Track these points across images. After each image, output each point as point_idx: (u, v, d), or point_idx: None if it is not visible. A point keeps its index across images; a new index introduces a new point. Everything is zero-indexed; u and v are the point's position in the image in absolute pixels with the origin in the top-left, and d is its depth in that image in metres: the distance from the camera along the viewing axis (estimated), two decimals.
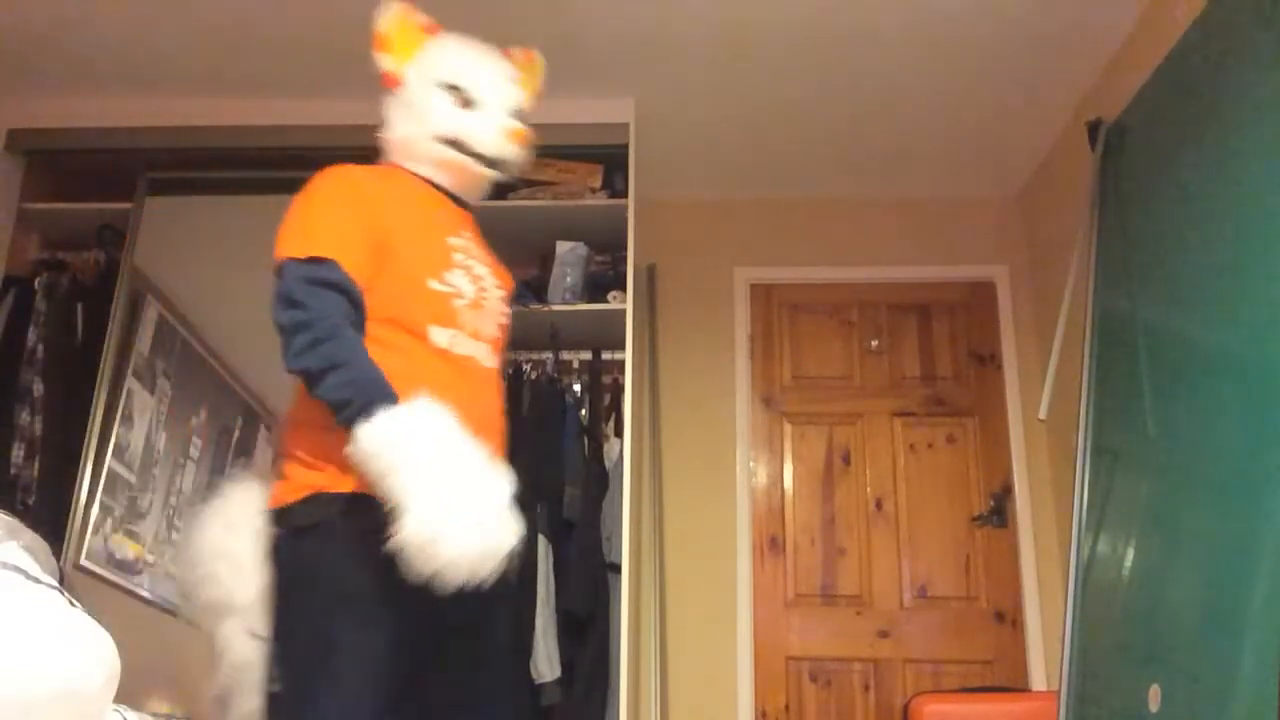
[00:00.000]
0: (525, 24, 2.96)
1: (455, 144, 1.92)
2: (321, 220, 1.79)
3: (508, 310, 1.97)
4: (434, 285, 1.79)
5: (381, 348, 1.70)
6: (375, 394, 1.59)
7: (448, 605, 1.55)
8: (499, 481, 1.58)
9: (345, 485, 1.64)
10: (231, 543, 1.76)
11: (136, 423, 3.04)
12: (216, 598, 1.73)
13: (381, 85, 2.01)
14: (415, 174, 1.96)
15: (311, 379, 1.65)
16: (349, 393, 1.61)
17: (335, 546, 1.65)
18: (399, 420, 1.56)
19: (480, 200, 2.06)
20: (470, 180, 1.99)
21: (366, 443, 1.55)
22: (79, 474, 2.92)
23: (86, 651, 1.10)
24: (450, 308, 1.79)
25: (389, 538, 1.50)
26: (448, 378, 1.74)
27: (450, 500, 1.50)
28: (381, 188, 1.87)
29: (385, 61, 2.00)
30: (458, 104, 1.93)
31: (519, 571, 1.83)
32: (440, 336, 1.77)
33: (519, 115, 1.99)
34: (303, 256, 1.71)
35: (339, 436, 1.60)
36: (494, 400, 1.86)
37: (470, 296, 1.84)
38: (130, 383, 3.06)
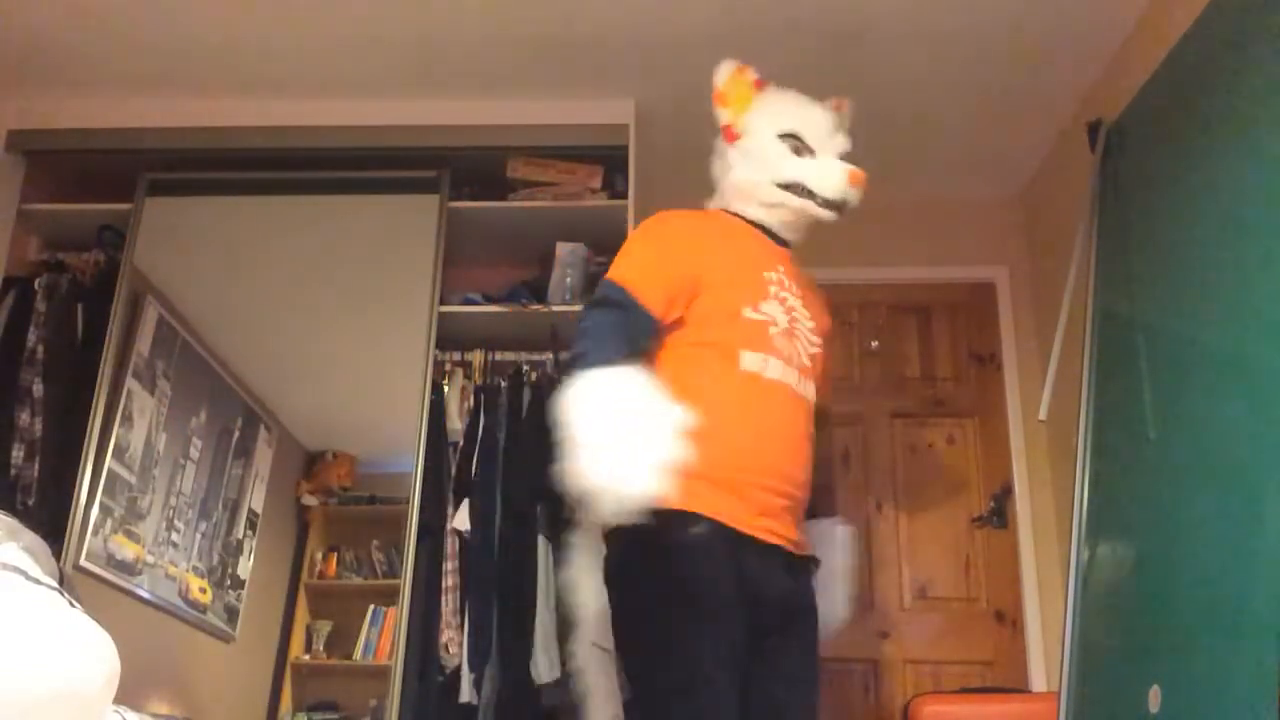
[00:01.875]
0: (526, 25, 2.97)
1: (796, 188, 2.11)
2: (631, 253, 2.06)
3: (819, 341, 2.11)
4: (749, 314, 1.98)
5: (694, 368, 1.94)
6: (596, 356, 1.80)
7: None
8: (657, 442, 1.68)
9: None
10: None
11: (136, 423, 3.04)
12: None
13: (721, 138, 2.20)
14: (738, 215, 2.16)
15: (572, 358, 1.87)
16: (580, 348, 1.85)
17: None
18: (599, 375, 1.75)
19: (801, 239, 2.22)
20: (802, 220, 2.16)
21: (570, 388, 1.75)
22: (79, 475, 2.92)
23: (86, 652, 1.10)
24: (764, 334, 1.98)
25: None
26: (753, 399, 1.93)
27: (601, 444, 1.66)
28: (697, 228, 2.09)
29: (724, 115, 2.18)
30: (795, 151, 2.12)
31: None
32: (751, 361, 1.95)
33: (847, 159, 2.16)
34: (608, 278, 2.00)
35: None
36: (799, 424, 2.00)
37: (783, 325, 2.01)
38: (130, 383, 3.06)
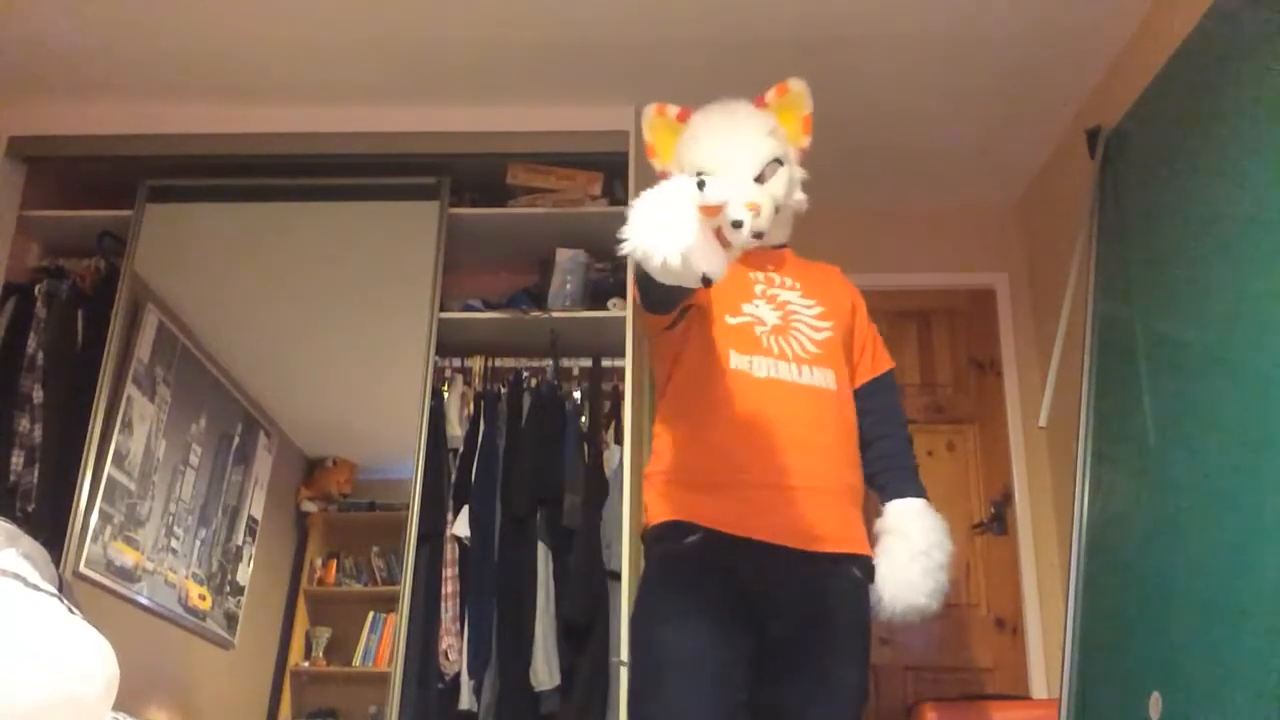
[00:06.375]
0: (526, 31, 2.98)
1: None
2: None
3: (828, 325, 2.05)
4: (730, 320, 1.99)
5: (691, 378, 1.97)
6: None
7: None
8: (682, 194, 1.59)
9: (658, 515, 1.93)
10: None
11: (136, 430, 3.04)
12: None
13: None
14: None
15: (645, 294, 1.90)
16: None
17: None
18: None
19: (785, 237, 2.17)
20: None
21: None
22: (78, 481, 2.92)
23: (86, 659, 1.09)
24: (749, 336, 1.98)
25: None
26: (742, 399, 1.92)
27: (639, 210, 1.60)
28: None
29: (657, 166, 2.14)
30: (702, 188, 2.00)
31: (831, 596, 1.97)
32: (740, 361, 1.95)
33: (782, 161, 2.03)
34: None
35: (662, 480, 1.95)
36: (803, 415, 1.95)
37: (772, 322, 2.00)
38: (130, 390, 3.06)
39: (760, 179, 1.98)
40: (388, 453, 3.26)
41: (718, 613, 1.81)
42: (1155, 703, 2.25)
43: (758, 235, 1.88)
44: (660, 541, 1.91)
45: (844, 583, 1.93)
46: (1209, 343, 2.29)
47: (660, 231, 1.51)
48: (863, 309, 2.21)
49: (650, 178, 3.68)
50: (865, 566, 1.97)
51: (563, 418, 3.15)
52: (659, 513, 1.92)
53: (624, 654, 2.03)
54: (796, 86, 2.13)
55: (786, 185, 2.03)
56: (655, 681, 1.81)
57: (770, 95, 2.13)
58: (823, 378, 1.98)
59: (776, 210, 2.00)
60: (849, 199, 3.85)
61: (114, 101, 3.31)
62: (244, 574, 3.14)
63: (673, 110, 2.14)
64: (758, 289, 2.04)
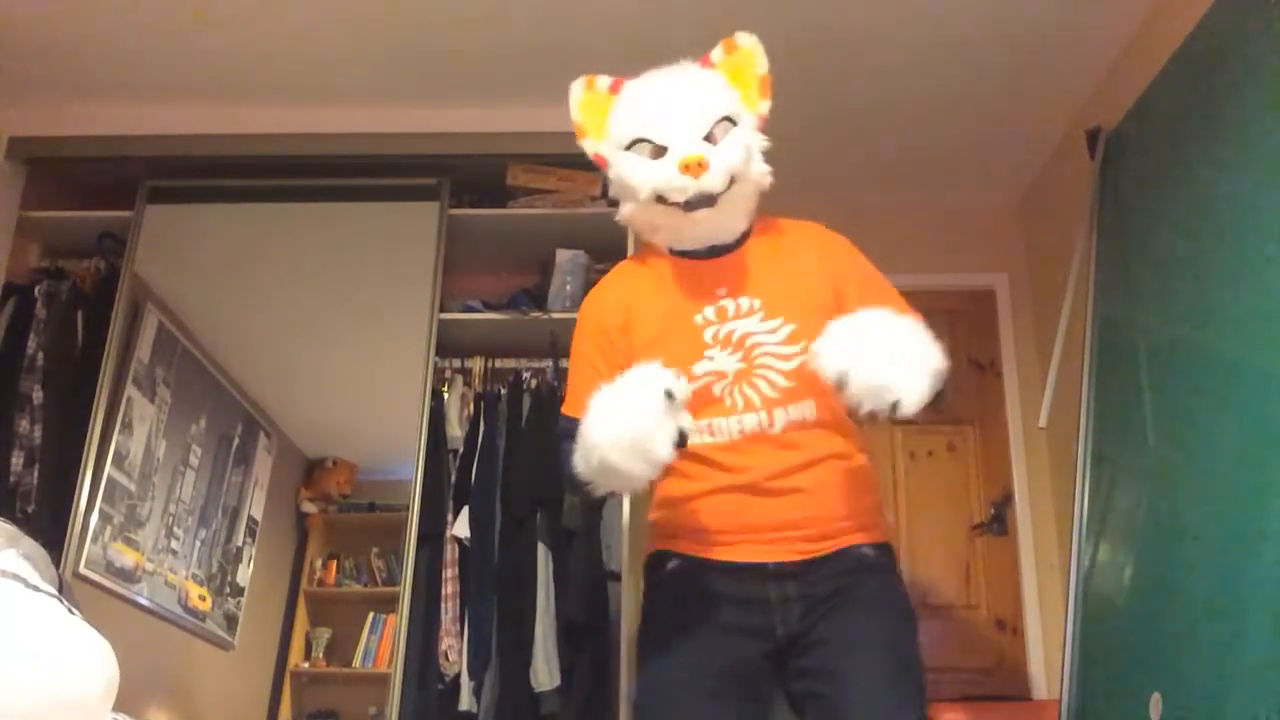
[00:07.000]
0: (526, 33, 2.98)
1: (661, 200, 1.74)
2: (573, 375, 1.86)
3: (794, 349, 1.73)
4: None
5: (675, 478, 1.74)
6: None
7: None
8: (645, 395, 1.51)
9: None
10: None
11: (136, 430, 3.04)
12: None
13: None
14: (660, 252, 1.87)
15: (574, 484, 1.68)
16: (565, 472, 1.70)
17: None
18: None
19: (744, 220, 1.84)
20: (702, 228, 1.79)
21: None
22: (78, 482, 2.92)
23: (86, 660, 1.09)
24: (707, 399, 1.72)
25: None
26: (705, 469, 1.73)
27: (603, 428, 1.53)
28: (615, 302, 1.86)
29: (588, 147, 1.87)
30: (651, 156, 1.75)
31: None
32: (698, 435, 1.68)
33: (734, 120, 1.77)
34: (562, 411, 1.84)
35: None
36: (775, 463, 1.72)
37: (732, 371, 1.73)
38: (130, 390, 3.06)
39: (709, 139, 1.73)
40: (388, 453, 3.26)
41: (701, 633, 1.73)
42: (1155, 703, 2.25)
43: (708, 200, 1.71)
44: (648, 571, 1.88)
45: (864, 574, 1.77)
46: (1209, 343, 2.29)
47: (633, 459, 1.48)
48: (854, 264, 1.93)
49: None
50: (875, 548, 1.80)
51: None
52: (649, 546, 1.89)
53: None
54: (745, 41, 1.87)
55: (743, 150, 1.75)
56: (651, 698, 1.79)
57: (716, 54, 1.88)
58: (800, 411, 1.74)
59: (732, 181, 1.73)
60: (849, 199, 3.84)
61: (114, 102, 3.31)
62: (244, 575, 3.14)
63: (604, 81, 1.87)
64: (708, 334, 1.75)
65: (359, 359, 3.22)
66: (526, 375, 3.27)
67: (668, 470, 1.65)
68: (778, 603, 1.75)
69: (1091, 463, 2.76)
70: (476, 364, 3.30)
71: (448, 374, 3.28)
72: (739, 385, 1.73)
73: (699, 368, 1.73)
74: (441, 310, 3.17)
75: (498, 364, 3.31)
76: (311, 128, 3.27)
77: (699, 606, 1.75)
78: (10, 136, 3.31)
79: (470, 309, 3.28)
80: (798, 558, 1.75)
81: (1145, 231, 2.68)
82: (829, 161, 3.62)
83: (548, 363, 3.28)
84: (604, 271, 3.32)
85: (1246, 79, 2.23)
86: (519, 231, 3.35)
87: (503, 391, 3.23)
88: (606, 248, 3.24)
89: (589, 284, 3.28)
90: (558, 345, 3.26)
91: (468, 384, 3.28)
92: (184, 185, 3.33)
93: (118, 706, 1.17)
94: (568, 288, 3.25)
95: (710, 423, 1.72)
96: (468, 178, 3.32)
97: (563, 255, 3.27)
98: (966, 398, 3.72)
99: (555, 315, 3.20)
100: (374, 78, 3.21)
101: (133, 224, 3.25)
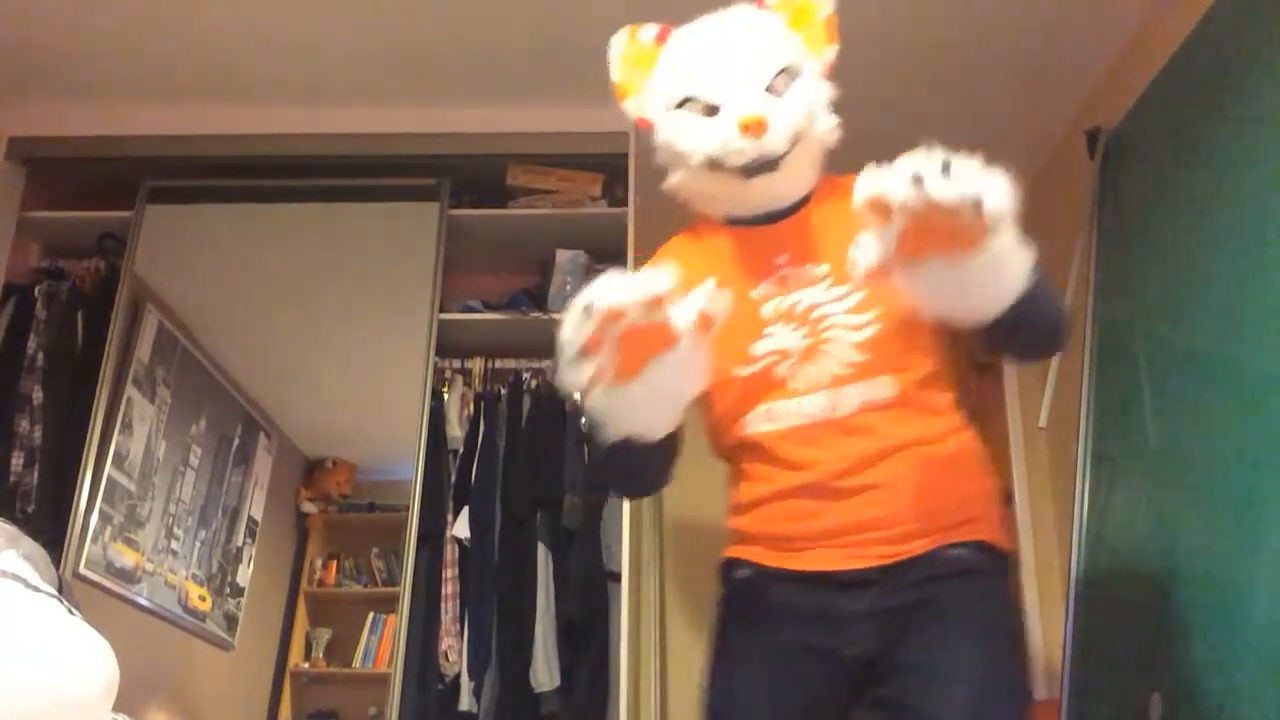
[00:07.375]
0: (526, 32, 2.98)
1: (714, 165, 1.55)
2: None
3: (864, 318, 1.55)
4: (741, 372, 1.56)
5: (742, 482, 1.63)
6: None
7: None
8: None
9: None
10: None
11: (136, 431, 3.04)
12: None
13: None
14: (714, 222, 1.66)
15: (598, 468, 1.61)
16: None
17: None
18: None
19: (809, 185, 1.65)
20: (768, 192, 1.60)
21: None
22: (78, 482, 2.92)
23: (85, 660, 1.10)
24: (767, 382, 1.56)
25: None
26: (770, 459, 1.57)
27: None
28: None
29: (630, 109, 1.70)
30: (703, 114, 1.56)
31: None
32: (756, 422, 1.56)
33: (797, 73, 1.58)
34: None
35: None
36: (841, 448, 1.54)
37: (798, 349, 1.55)
38: (130, 391, 3.06)
39: (770, 92, 1.55)
40: (387, 453, 3.26)
41: (764, 641, 1.61)
42: (1155, 703, 2.25)
43: (770, 165, 1.53)
44: (721, 579, 1.71)
45: (948, 578, 1.54)
46: (1209, 343, 2.29)
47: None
48: None
49: (650, 178, 3.68)
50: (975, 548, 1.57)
51: (563, 419, 3.14)
52: (723, 550, 1.71)
53: None
54: None
55: (808, 106, 1.57)
56: (714, 703, 1.64)
57: None
58: (873, 390, 1.55)
59: (797, 139, 1.55)
60: None
61: (114, 102, 3.31)
62: (244, 575, 3.14)
63: (649, 32, 1.69)
64: (768, 310, 1.58)
65: (359, 359, 3.22)
66: (526, 375, 3.27)
67: (736, 474, 1.59)
68: (850, 619, 1.56)
69: (1091, 463, 2.75)
70: (476, 364, 3.30)
71: (448, 374, 3.28)
72: (805, 364, 1.55)
73: (759, 347, 1.56)
74: (441, 310, 3.17)
75: (498, 364, 3.31)
76: (311, 128, 3.27)
77: (767, 625, 1.61)
78: (10, 136, 3.31)
79: (470, 309, 3.28)
80: (876, 563, 1.55)
81: (1145, 232, 2.68)
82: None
83: (548, 363, 3.28)
84: (604, 271, 3.35)
85: (1246, 80, 2.23)
86: (519, 232, 3.35)
87: (503, 392, 3.23)
88: (607, 248, 3.25)
89: (589, 284, 3.29)
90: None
91: (468, 384, 3.28)
92: (184, 185, 3.33)
93: (118, 706, 1.17)
94: (568, 288, 3.25)
95: (769, 407, 1.56)
96: (468, 178, 3.32)
97: (563, 255, 3.27)
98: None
99: (555, 315, 3.19)
100: (374, 78, 3.21)
101: (133, 224, 3.25)
